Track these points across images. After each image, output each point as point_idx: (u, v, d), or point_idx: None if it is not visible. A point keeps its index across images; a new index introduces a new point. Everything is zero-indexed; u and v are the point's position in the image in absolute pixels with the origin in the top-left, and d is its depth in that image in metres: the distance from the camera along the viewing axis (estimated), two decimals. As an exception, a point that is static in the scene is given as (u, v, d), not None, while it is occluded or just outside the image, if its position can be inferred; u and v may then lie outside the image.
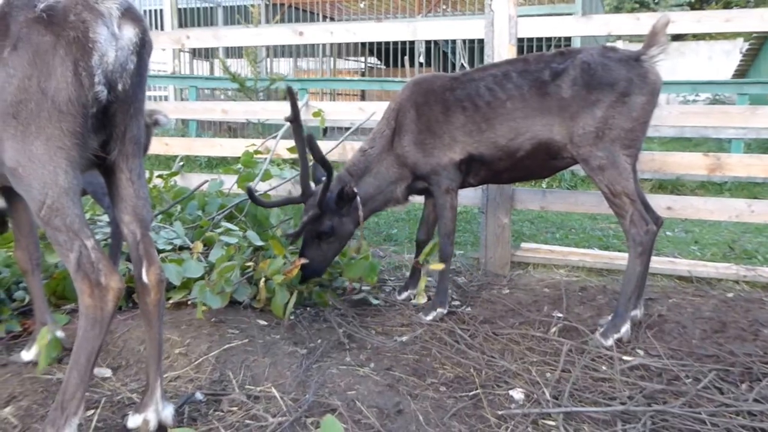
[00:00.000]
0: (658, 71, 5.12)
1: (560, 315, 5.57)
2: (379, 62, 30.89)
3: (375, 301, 5.97)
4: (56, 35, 2.96)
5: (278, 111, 8.56)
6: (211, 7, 26.80)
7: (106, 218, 6.34)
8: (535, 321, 5.47)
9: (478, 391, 4.26)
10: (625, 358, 4.76)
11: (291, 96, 5.29)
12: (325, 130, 12.74)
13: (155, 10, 23.53)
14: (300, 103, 5.33)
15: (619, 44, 24.39)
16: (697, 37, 34.04)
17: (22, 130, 2.98)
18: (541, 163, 5.52)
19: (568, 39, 19.76)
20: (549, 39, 19.88)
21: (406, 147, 5.70)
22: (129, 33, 3.14)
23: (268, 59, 25.13)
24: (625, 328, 5.03)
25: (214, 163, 14.36)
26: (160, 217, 6.42)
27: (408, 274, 6.44)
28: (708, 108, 7.55)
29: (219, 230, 5.88)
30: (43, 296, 4.43)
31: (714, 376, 4.37)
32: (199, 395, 3.94)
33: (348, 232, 5.73)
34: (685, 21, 6.66)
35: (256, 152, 7.54)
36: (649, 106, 5.08)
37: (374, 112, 7.55)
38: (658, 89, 5.13)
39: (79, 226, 3.05)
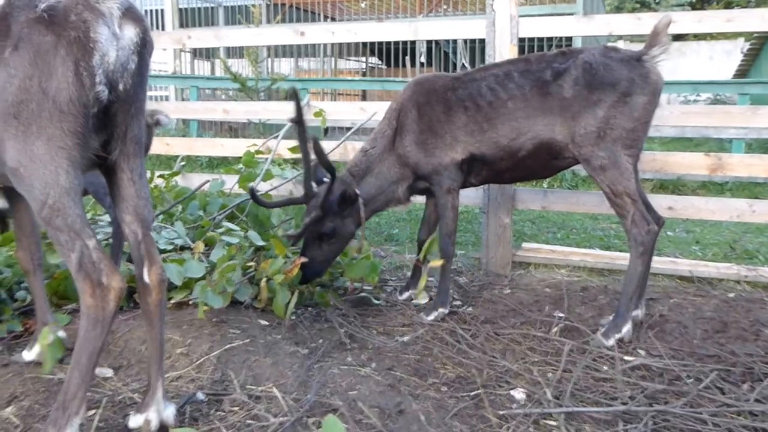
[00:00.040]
0: (659, 71, 5.13)
1: (561, 315, 5.57)
2: (380, 62, 30.88)
3: (376, 301, 5.97)
4: (57, 35, 2.96)
5: (279, 111, 8.58)
6: (212, 7, 26.81)
7: (107, 218, 6.34)
8: (537, 321, 5.47)
9: (479, 391, 4.25)
10: (626, 358, 4.76)
11: (295, 98, 5.28)
12: (326, 130, 12.74)
13: (156, 10, 23.53)
14: (301, 103, 5.32)
15: (620, 44, 24.40)
16: (698, 37, 34.01)
17: (23, 131, 2.98)
18: (543, 163, 5.52)
19: (569, 39, 19.76)
20: (550, 39, 19.89)
21: (408, 147, 5.70)
22: (130, 33, 3.14)
23: (269, 59, 25.14)
24: (627, 328, 5.03)
25: (215, 163, 14.35)
26: (161, 217, 6.42)
27: (409, 274, 6.44)
28: (709, 108, 7.55)
29: (220, 230, 5.88)
30: (45, 296, 4.43)
31: (715, 376, 4.36)
32: (200, 395, 3.94)
33: (349, 232, 5.74)
34: (686, 21, 6.65)
35: (258, 152, 7.54)
36: (650, 106, 5.09)
37: (375, 112, 7.55)
38: (659, 89, 5.13)
39: (80, 226, 3.05)
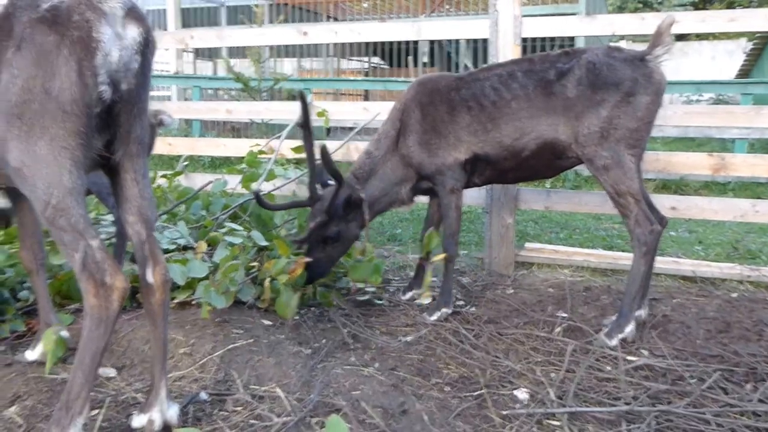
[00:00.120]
0: (662, 71, 5.13)
1: (564, 315, 5.57)
2: (382, 62, 30.91)
3: (379, 302, 5.97)
4: (60, 35, 2.96)
5: (282, 111, 8.60)
6: (215, 7, 26.84)
7: (110, 218, 6.34)
8: (540, 321, 5.47)
9: (482, 391, 4.25)
10: (629, 358, 4.75)
11: (302, 101, 5.29)
12: (328, 130, 12.72)
13: (158, 10, 23.53)
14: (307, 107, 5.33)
15: (623, 44, 24.40)
16: (700, 37, 34.02)
17: (26, 131, 2.98)
18: (546, 163, 5.52)
19: (571, 39, 19.77)
20: (552, 39, 19.91)
21: (411, 147, 5.70)
22: (133, 32, 3.13)
23: (272, 59, 25.14)
24: (630, 328, 5.02)
25: (217, 163, 14.35)
26: (164, 216, 6.42)
27: (412, 274, 6.44)
28: (712, 108, 7.56)
29: (223, 230, 5.88)
30: (48, 296, 4.43)
31: (718, 376, 4.36)
32: (203, 395, 3.94)
33: (354, 235, 5.76)
34: (689, 21, 6.66)
35: (261, 152, 7.54)
36: (653, 105, 5.08)
37: (378, 112, 7.54)
38: (662, 89, 5.13)
39: (83, 226, 3.05)
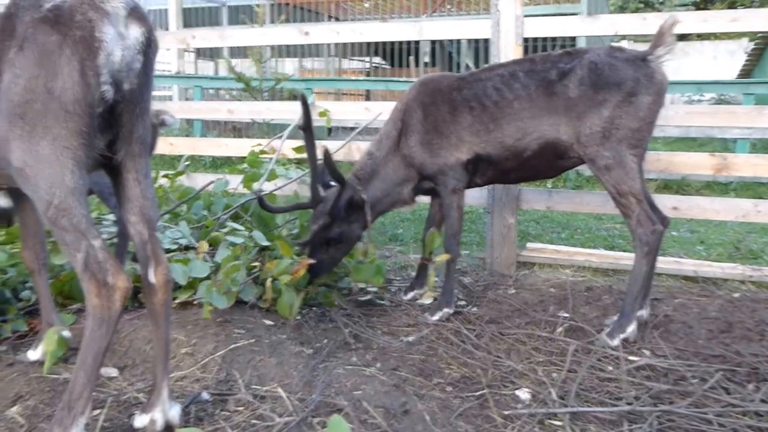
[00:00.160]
0: (664, 71, 5.13)
1: (566, 315, 5.57)
2: (384, 62, 30.90)
3: (381, 302, 5.97)
4: (63, 35, 2.96)
5: (283, 111, 8.61)
6: (216, 7, 26.84)
7: (111, 218, 6.35)
8: (541, 321, 5.47)
9: (484, 391, 4.26)
10: (631, 358, 4.75)
11: (304, 104, 5.29)
12: (329, 130, 12.74)
13: (160, 10, 23.54)
14: (309, 107, 5.33)
15: (624, 44, 24.40)
16: (701, 37, 33.99)
17: (28, 131, 2.98)
18: (548, 163, 5.52)
19: (573, 39, 19.77)
20: (553, 39, 19.91)
21: (413, 147, 5.70)
22: (135, 32, 3.13)
23: (273, 59, 25.15)
24: (631, 328, 5.02)
25: (218, 163, 14.35)
26: (166, 216, 6.41)
27: (414, 274, 6.44)
28: (714, 108, 7.56)
29: (225, 230, 5.88)
30: (50, 296, 4.43)
31: (720, 376, 4.36)
32: (205, 395, 3.94)
33: (356, 236, 5.77)
34: (691, 21, 6.66)
35: (262, 152, 7.54)
36: (655, 106, 5.08)
37: (380, 112, 7.54)
38: (664, 89, 5.13)
39: (86, 226, 3.05)
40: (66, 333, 4.28)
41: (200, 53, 26.30)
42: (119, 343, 4.48)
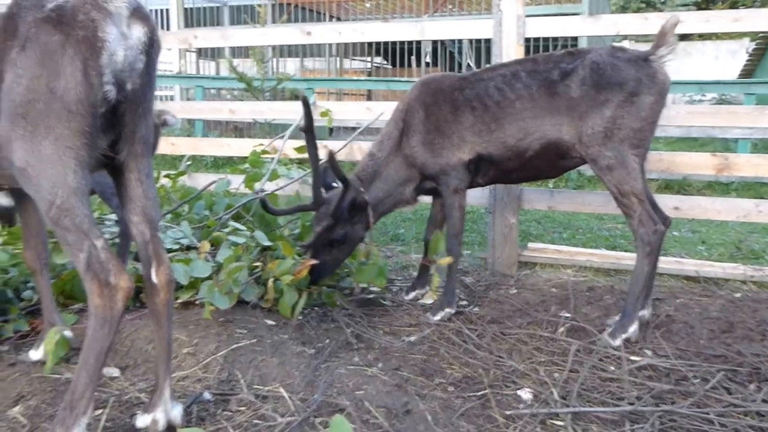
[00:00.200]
0: (666, 71, 5.13)
1: (568, 315, 5.58)
2: (385, 62, 30.90)
3: (383, 302, 5.97)
4: (65, 35, 2.96)
5: (285, 111, 8.61)
6: (218, 7, 26.84)
7: (113, 217, 6.35)
8: (543, 321, 5.47)
9: (486, 391, 4.26)
10: (633, 358, 4.75)
11: (305, 106, 5.29)
12: (330, 130, 12.75)
13: (161, 10, 23.55)
14: (310, 108, 5.34)
15: (626, 44, 24.38)
16: (703, 36, 33.96)
17: (31, 131, 2.98)
18: (550, 163, 5.51)
19: (574, 39, 19.76)
20: (555, 39, 19.89)
21: (415, 147, 5.70)
22: (138, 32, 3.13)
23: (275, 59, 25.15)
24: (633, 328, 5.02)
25: (220, 163, 14.36)
26: (167, 216, 6.41)
27: (415, 274, 6.44)
28: (716, 108, 7.56)
29: (226, 230, 5.88)
30: (51, 296, 4.44)
31: (722, 376, 4.36)
32: (207, 395, 3.94)
33: (359, 237, 5.77)
34: (693, 21, 6.66)
35: (264, 152, 7.54)
36: (657, 106, 5.08)
37: (382, 112, 7.54)
38: (666, 89, 5.13)
39: (88, 226, 3.05)
40: (67, 333, 4.29)
41: (202, 53, 26.27)
42: (121, 343, 4.48)
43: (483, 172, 5.70)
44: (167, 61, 20.22)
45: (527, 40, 7.02)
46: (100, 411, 3.67)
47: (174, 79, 19.27)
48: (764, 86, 15.01)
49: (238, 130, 17.79)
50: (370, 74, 30.44)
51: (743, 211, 6.63)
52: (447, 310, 5.59)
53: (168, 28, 20.95)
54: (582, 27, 7.38)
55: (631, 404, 4.01)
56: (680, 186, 12.36)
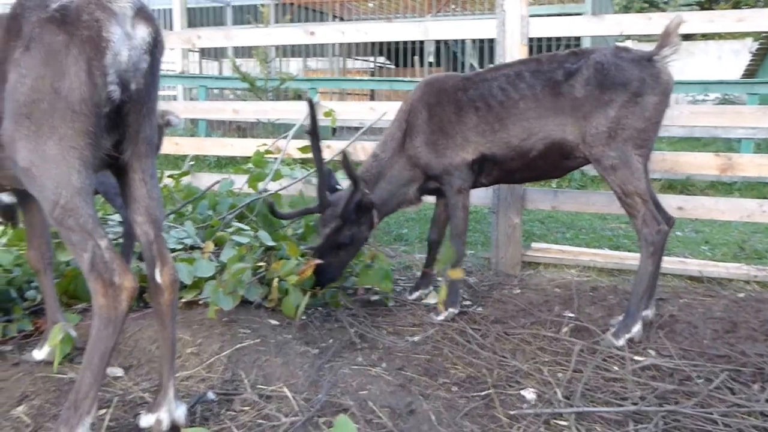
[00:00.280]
0: (670, 71, 5.13)
1: (571, 315, 5.57)
2: (388, 62, 30.90)
3: (387, 302, 5.98)
4: (69, 35, 2.96)
5: (289, 111, 8.63)
6: (220, 7, 26.85)
7: (117, 218, 6.36)
8: (547, 321, 5.46)
9: (489, 391, 4.26)
10: (636, 358, 4.75)
11: (311, 108, 5.30)
12: (333, 129, 12.76)
13: (164, 10, 23.56)
14: (315, 111, 5.34)
15: (629, 44, 24.38)
16: (706, 36, 33.94)
17: (35, 130, 2.98)
18: (554, 163, 5.51)
19: (577, 39, 19.76)
20: (558, 39, 19.88)
21: (419, 147, 5.70)
22: (142, 32, 3.13)
23: (278, 59, 25.15)
24: (637, 328, 5.02)
25: (223, 163, 14.36)
26: (171, 216, 6.42)
27: (419, 274, 6.44)
28: (720, 108, 7.55)
29: (230, 230, 5.88)
30: (55, 295, 4.44)
31: (726, 376, 4.36)
32: (211, 395, 3.95)
33: (364, 238, 5.79)
34: (697, 21, 6.66)
35: (267, 152, 7.54)
36: (661, 106, 5.08)
37: (385, 112, 7.54)
38: (670, 89, 5.13)
39: (92, 226, 3.05)
40: (71, 332, 4.29)
41: (205, 53, 26.30)
42: (124, 342, 4.48)
43: (486, 172, 5.71)
44: (170, 61, 20.21)
45: (530, 40, 7.02)
46: (103, 411, 3.67)
47: (177, 79, 19.27)
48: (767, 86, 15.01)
49: (241, 129, 17.80)
50: (373, 74, 30.43)
51: (747, 211, 6.62)
52: (450, 310, 5.59)
53: (171, 28, 20.95)
54: (586, 27, 7.38)
55: (635, 404, 4.01)
56: (683, 186, 12.35)
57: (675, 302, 5.87)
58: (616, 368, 4.61)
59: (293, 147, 7.71)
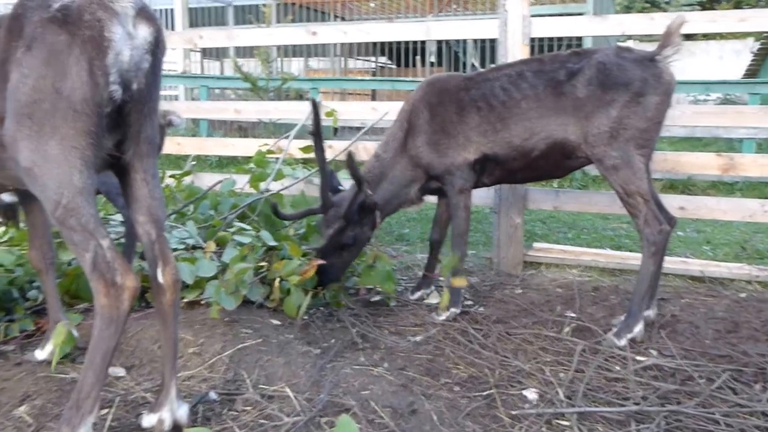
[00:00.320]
0: (672, 71, 5.13)
1: (573, 315, 5.57)
2: (389, 62, 30.91)
3: (388, 302, 5.97)
4: (71, 34, 2.96)
5: (290, 111, 8.62)
6: (222, 7, 26.86)
7: (118, 218, 6.36)
8: (548, 321, 5.46)
9: (491, 390, 4.26)
10: (638, 358, 4.75)
11: (314, 110, 5.30)
12: (335, 129, 12.75)
13: (166, 10, 23.57)
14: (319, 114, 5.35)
15: (630, 44, 24.37)
16: (707, 36, 33.92)
17: (36, 130, 2.98)
18: (556, 163, 5.51)
19: (578, 39, 19.76)
20: (559, 39, 19.89)
21: (420, 148, 5.70)
22: (144, 32, 3.13)
23: (279, 59, 25.16)
24: (639, 328, 5.02)
25: (224, 163, 14.36)
26: (173, 216, 6.42)
27: (420, 273, 6.44)
28: (722, 108, 7.55)
29: (232, 230, 5.88)
30: (57, 295, 4.44)
31: (727, 376, 4.35)
32: (213, 395, 3.95)
33: (367, 238, 5.79)
34: (699, 21, 6.66)
35: (269, 152, 7.55)
36: (663, 106, 5.08)
37: (387, 111, 7.54)
38: (672, 89, 5.13)
39: (94, 225, 3.04)
40: (73, 332, 4.29)
41: (206, 53, 26.32)
42: (126, 342, 4.48)
43: (488, 172, 5.70)
44: (171, 61, 20.21)
45: (532, 40, 7.02)
46: (105, 410, 3.67)
47: (179, 78, 19.25)
48: (769, 86, 15.00)
49: (242, 129, 17.79)
50: (374, 74, 30.47)
51: (749, 211, 6.62)
52: (452, 310, 5.58)
53: (172, 28, 20.95)
54: (588, 27, 7.39)
55: (637, 404, 4.01)
56: (685, 186, 12.34)
57: (677, 302, 5.87)
58: (617, 368, 4.61)
59: (295, 147, 7.71)
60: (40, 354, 4.28)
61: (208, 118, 15.46)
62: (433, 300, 5.94)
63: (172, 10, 21.47)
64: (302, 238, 6.26)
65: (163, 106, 4.99)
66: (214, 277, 5.05)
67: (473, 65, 24.97)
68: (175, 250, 5.62)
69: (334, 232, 5.51)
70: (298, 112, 8.26)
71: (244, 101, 13.45)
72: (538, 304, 5.89)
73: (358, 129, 8.14)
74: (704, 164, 6.83)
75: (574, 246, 8.06)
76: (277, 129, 13.30)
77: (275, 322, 5.11)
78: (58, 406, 3.73)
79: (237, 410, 3.83)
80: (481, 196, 7.28)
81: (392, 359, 4.76)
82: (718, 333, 5.17)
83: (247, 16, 23.69)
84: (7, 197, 4.50)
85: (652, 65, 5.09)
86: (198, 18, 26.01)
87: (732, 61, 31.67)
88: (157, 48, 3.21)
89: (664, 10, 32.51)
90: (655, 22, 6.53)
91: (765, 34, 23.01)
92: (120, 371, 4.20)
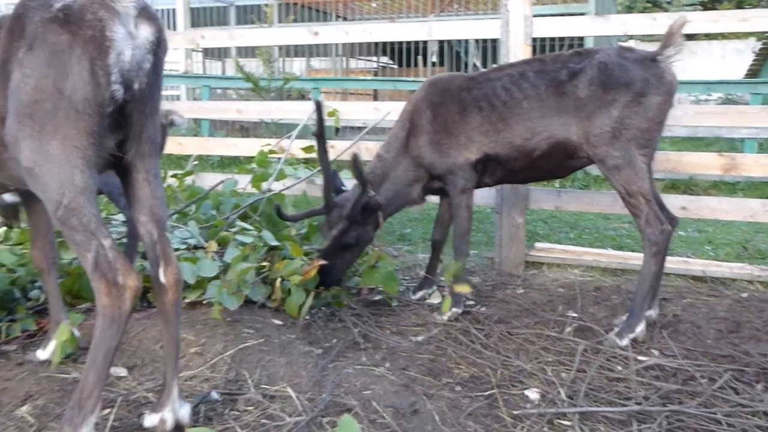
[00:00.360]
0: (674, 72, 5.13)
1: (575, 315, 5.57)
2: (391, 62, 30.91)
3: (390, 302, 5.97)
4: (73, 34, 2.96)
5: (292, 111, 8.62)
6: (224, 7, 26.86)
7: (120, 217, 6.36)
8: (550, 321, 5.46)
9: (493, 390, 4.25)
10: (640, 358, 4.75)
11: (318, 111, 5.30)
12: (337, 129, 12.76)
13: (167, 10, 23.57)
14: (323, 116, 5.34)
15: (632, 44, 24.35)
16: (709, 36, 33.87)
17: (38, 130, 2.98)
18: (557, 163, 5.51)
19: (580, 39, 19.76)
20: (561, 39, 19.88)
21: (422, 147, 5.70)
22: (145, 32, 3.13)
23: (281, 59, 25.16)
24: (640, 328, 5.02)
25: (226, 163, 14.34)
26: (174, 216, 6.42)
27: (422, 273, 6.43)
28: (724, 108, 7.56)
29: (234, 229, 5.89)
30: (59, 295, 4.44)
31: (729, 376, 4.35)
32: (214, 395, 3.94)
33: (370, 238, 5.79)
34: (701, 21, 6.66)
35: (271, 152, 7.55)
36: (665, 106, 5.08)
37: (389, 111, 7.53)
38: (674, 89, 5.13)
39: (95, 225, 3.04)
40: (75, 332, 4.30)
41: (208, 53, 26.33)
42: (128, 342, 4.48)
43: (490, 172, 5.70)
44: (173, 61, 20.20)
45: (534, 40, 7.02)
46: (107, 410, 3.67)
47: (180, 78, 19.25)
48: (770, 86, 14.98)
49: (244, 129, 17.79)
50: (376, 74, 30.48)
51: (751, 211, 6.62)
52: (454, 309, 5.58)
53: (174, 28, 20.95)
54: (590, 27, 7.39)
55: (639, 404, 4.01)
56: (686, 186, 12.32)
57: (678, 302, 5.87)
58: (619, 368, 4.60)
59: (297, 147, 7.71)
60: (42, 354, 4.29)
61: (210, 118, 15.44)
62: (435, 300, 5.94)
63: (173, 10, 21.46)
64: (304, 238, 6.27)
65: (165, 106, 4.99)
66: (216, 277, 5.05)
67: (475, 65, 24.98)
68: (176, 250, 5.62)
69: (338, 233, 5.51)
70: (300, 112, 8.26)
71: (246, 101, 13.47)
72: (540, 304, 5.89)
73: (360, 129, 8.15)
74: (706, 164, 6.83)
75: (576, 246, 8.05)
76: (279, 129, 13.30)
77: (277, 322, 5.11)
78: (60, 406, 3.73)
79: (239, 410, 3.83)
80: (483, 196, 7.28)
81: (394, 359, 4.76)
82: (719, 333, 5.17)
83: (249, 16, 23.72)
84: (9, 197, 4.51)
85: (654, 65, 5.09)
86: (200, 18, 26.03)
87: (734, 61, 31.62)
88: (158, 48, 3.21)
89: (666, 10, 32.42)
90: (657, 22, 6.52)
91: (767, 34, 22.98)
92: (122, 371, 4.20)
